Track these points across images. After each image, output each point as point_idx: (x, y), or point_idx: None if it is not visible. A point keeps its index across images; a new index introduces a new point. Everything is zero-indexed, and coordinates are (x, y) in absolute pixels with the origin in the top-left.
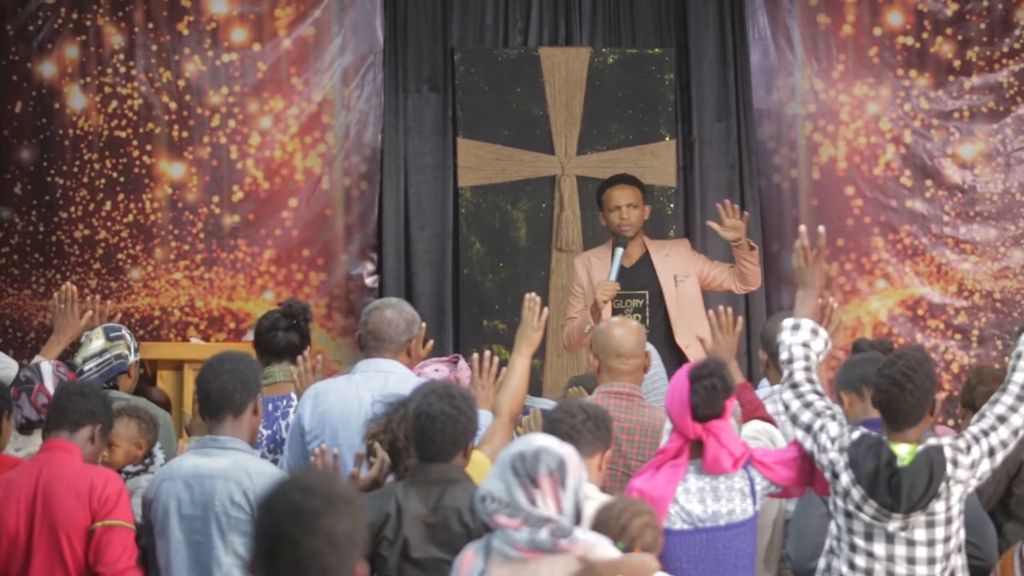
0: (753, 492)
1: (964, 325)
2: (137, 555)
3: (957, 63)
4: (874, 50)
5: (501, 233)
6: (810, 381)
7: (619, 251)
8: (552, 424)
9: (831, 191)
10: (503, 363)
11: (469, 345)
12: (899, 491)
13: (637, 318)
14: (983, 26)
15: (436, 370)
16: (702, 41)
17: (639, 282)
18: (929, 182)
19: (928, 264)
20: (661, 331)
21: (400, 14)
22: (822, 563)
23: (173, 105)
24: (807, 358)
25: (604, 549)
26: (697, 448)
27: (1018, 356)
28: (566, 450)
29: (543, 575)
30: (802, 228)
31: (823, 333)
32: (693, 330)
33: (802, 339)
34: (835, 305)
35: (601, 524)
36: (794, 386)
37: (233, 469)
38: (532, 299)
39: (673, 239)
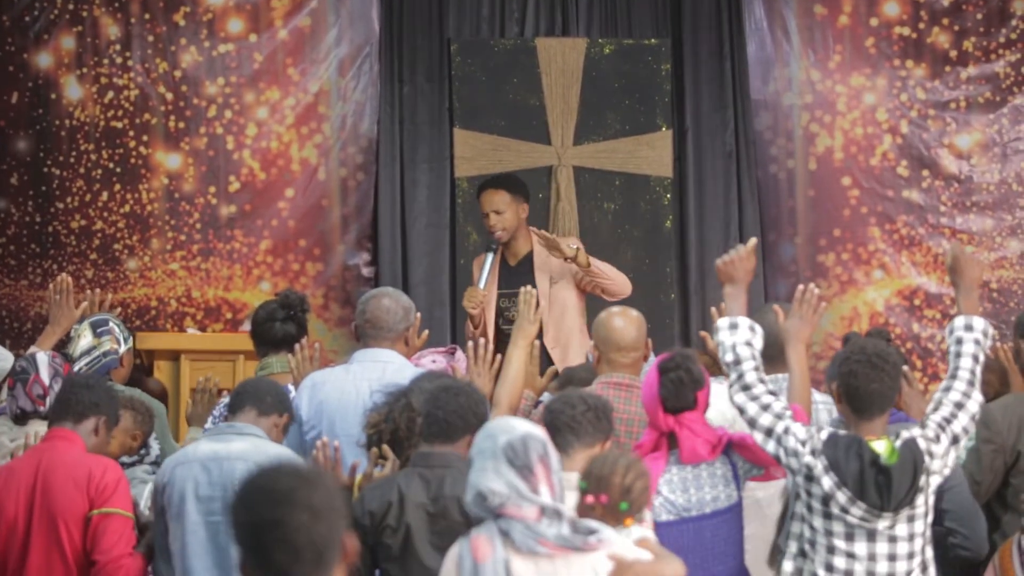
0: (736, 477)
1: None
2: (135, 543)
3: (954, 53)
4: (871, 40)
5: None
6: (762, 381)
7: (489, 256)
8: (552, 415)
9: (828, 181)
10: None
11: (465, 335)
12: (889, 490)
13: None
14: (980, 16)
15: (433, 360)
16: (698, 32)
17: (520, 280)
18: (926, 172)
19: (925, 254)
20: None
21: (396, 5)
22: (788, 567)
23: (169, 96)
24: (754, 357)
25: (627, 546)
26: (674, 440)
27: (958, 341)
28: (539, 430)
29: (565, 574)
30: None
31: (759, 330)
32: (561, 333)
33: (744, 338)
34: (816, 291)
35: (602, 480)
36: (746, 388)
37: (253, 451)
38: (528, 292)
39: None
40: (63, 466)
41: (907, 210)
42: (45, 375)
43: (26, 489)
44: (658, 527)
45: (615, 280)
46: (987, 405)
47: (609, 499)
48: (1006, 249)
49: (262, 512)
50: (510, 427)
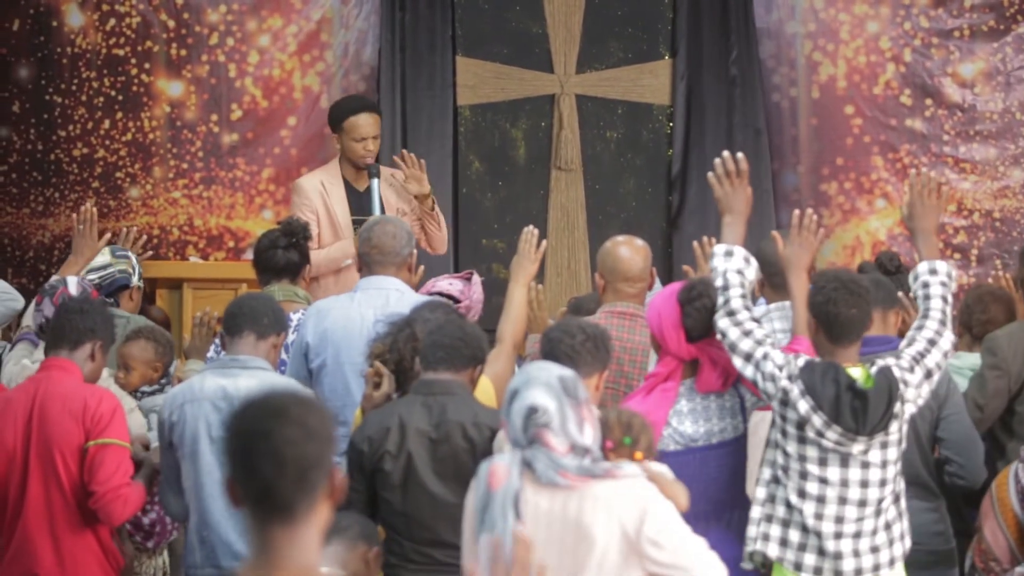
0: (743, 409)
1: (963, 244)
2: (132, 472)
3: None
4: None
5: (500, 152)
6: (747, 308)
7: (374, 183)
8: (551, 344)
9: (831, 110)
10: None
11: (467, 264)
12: (865, 414)
13: None
14: None
15: (450, 284)
16: None
17: (369, 205)
18: (929, 101)
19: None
20: None
21: None
22: (761, 493)
23: (171, 23)
24: (743, 285)
25: (644, 481)
26: (689, 369)
27: (924, 285)
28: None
29: (576, 510)
30: (722, 156)
31: (754, 262)
32: None
33: (736, 266)
34: (815, 217)
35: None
36: (731, 313)
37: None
38: (530, 232)
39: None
40: (59, 397)
41: (910, 139)
42: (73, 290)
43: (23, 420)
44: (666, 458)
45: (441, 233)
46: (993, 333)
47: (613, 442)
48: (1009, 178)
49: (253, 422)
50: (561, 367)
